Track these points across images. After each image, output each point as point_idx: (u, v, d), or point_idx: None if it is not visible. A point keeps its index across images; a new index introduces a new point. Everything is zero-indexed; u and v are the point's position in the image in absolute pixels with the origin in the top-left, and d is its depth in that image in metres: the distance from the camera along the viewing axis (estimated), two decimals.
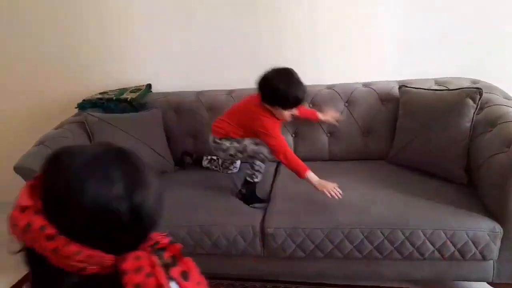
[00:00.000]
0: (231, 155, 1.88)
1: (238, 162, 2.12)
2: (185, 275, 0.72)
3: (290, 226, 1.63)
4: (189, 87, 2.33)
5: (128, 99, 2.20)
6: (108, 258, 0.61)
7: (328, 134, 2.11)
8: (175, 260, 0.73)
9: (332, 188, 1.62)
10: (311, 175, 1.66)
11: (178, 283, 0.68)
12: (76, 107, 2.23)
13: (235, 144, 1.86)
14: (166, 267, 0.68)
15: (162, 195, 0.69)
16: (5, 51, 2.47)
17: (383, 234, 1.55)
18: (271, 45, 2.24)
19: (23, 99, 2.56)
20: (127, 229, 0.62)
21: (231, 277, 1.92)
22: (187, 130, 2.24)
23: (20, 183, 1.75)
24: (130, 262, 0.62)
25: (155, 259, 0.66)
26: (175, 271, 0.70)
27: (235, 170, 2.11)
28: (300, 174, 1.67)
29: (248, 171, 1.86)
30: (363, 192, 1.73)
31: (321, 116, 2.03)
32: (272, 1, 2.15)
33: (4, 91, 2.57)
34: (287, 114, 1.73)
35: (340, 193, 1.62)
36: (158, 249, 0.72)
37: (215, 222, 1.69)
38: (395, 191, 1.71)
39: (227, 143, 1.87)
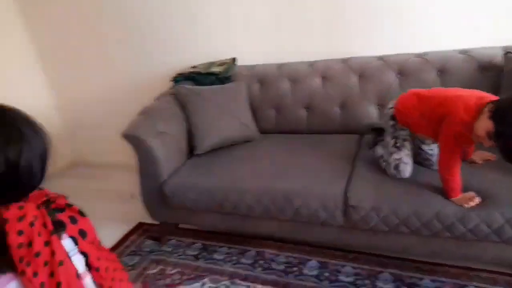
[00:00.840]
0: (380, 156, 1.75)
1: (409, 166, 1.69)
2: (83, 233, 0.80)
3: (375, 198, 1.62)
4: (273, 60, 2.37)
5: (216, 72, 2.33)
6: None
7: None
8: (74, 219, 0.80)
9: (467, 201, 1.49)
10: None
11: (77, 240, 0.77)
12: (171, 81, 2.43)
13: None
14: (60, 226, 0.75)
15: (45, 151, 0.75)
16: (115, 27, 2.74)
17: (478, 216, 1.47)
18: (355, 14, 2.16)
19: (131, 71, 2.84)
20: (4, 181, 0.68)
21: (312, 244, 2.00)
22: (270, 102, 2.30)
23: (125, 147, 2.02)
24: (12, 211, 0.67)
25: (43, 211, 0.72)
26: (73, 229, 0.78)
27: (406, 175, 1.68)
28: (448, 195, 1.53)
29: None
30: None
31: (473, 156, 1.73)
32: None
33: (114, 64, 2.88)
34: (488, 142, 1.34)
35: (478, 201, 1.48)
36: (54, 209, 0.78)
37: (297, 191, 1.74)
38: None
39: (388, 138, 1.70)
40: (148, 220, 2.29)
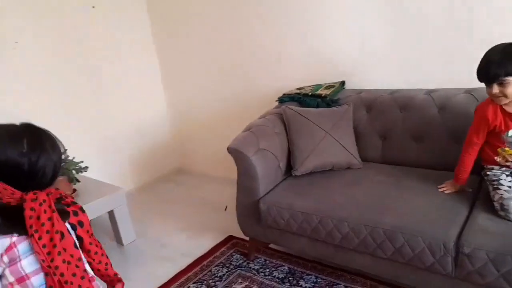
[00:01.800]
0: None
1: None
2: (81, 223, 1.12)
3: (496, 249, 1.39)
4: (384, 85, 2.27)
5: (322, 95, 2.31)
6: (16, 192, 0.99)
7: None
8: (76, 213, 1.12)
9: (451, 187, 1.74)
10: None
11: (75, 226, 1.09)
12: (277, 100, 2.48)
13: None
14: (65, 213, 1.07)
15: (58, 161, 1.05)
16: (229, 48, 2.93)
17: None
18: (480, 42, 1.94)
19: (241, 88, 2.98)
20: (26, 175, 0.99)
21: None
22: (377, 129, 2.19)
23: (230, 162, 2.10)
24: (29, 195, 1.00)
25: (50, 198, 1.03)
26: (74, 219, 1.11)
27: None
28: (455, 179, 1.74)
29: None
30: None
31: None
32: None
33: (224, 82, 3.07)
34: (488, 91, 1.57)
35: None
36: (63, 205, 1.09)
37: (401, 228, 1.59)
38: None
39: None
40: (238, 234, 2.32)
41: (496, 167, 1.67)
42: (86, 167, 2.36)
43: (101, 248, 1.20)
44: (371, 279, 1.91)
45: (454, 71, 2.07)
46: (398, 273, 1.69)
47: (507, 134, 1.59)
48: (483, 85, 1.94)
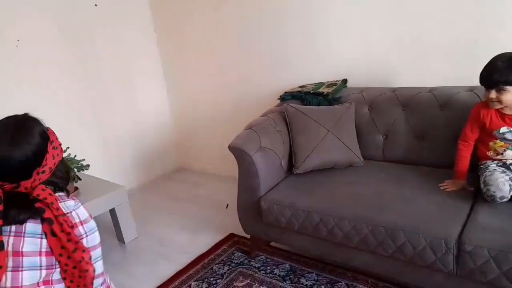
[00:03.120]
0: None
1: None
2: (50, 221, 0.98)
3: (498, 247, 1.39)
4: (386, 83, 2.26)
5: (324, 93, 2.30)
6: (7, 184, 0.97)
7: None
8: (43, 210, 0.98)
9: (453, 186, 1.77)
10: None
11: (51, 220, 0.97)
12: (278, 98, 2.48)
13: None
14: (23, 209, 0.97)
15: (41, 147, 1.00)
16: (231, 45, 2.93)
17: None
18: (485, 37, 1.94)
19: (242, 86, 2.99)
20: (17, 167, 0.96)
21: (411, 287, 1.80)
22: (379, 127, 2.18)
23: (229, 159, 2.10)
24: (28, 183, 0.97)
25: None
26: (49, 213, 0.98)
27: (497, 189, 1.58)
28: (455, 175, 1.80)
29: None
30: None
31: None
32: None
33: (226, 79, 3.07)
34: (486, 94, 1.66)
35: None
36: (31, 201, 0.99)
37: (403, 226, 1.59)
38: None
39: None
40: (239, 232, 2.32)
41: (489, 161, 1.75)
42: (88, 165, 2.36)
43: (70, 233, 1.01)
44: (372, 277, 1.91)
45: (456, 69, 2.07)
46: (399, 271, 1.68)
47: (499, 131, 1.69)
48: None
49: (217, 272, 2.12)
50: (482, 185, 1.65)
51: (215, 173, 3.44)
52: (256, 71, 2.86)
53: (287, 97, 2.43)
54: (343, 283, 1.92)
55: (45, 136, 1.03)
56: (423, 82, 2.13)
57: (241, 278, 2.06)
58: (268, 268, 2.11)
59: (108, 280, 1.16)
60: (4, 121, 1.01)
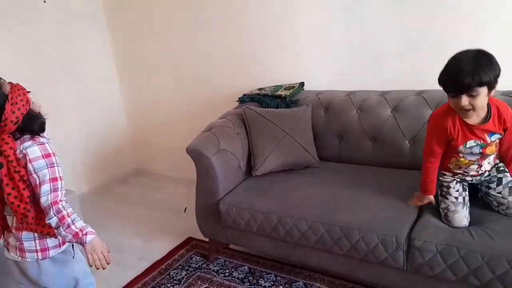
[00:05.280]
0: None
1: None
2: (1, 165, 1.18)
3: (444, 241, 1.48)
4: (341, 87, 2.33)
5: (282, 96, 2.34)
6: None
7: None
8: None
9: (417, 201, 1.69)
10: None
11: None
12: (237, 100, 2.48)
13: None
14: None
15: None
16: (189, 46, 2.89)
17: None
18: (432, 45, 2.07)
19: (201, 88, 2.95)
20: None
21: (366, 284, 1.85)
22: (335, 129, 2.24)
23: (189, 162, 2.07)
24: None
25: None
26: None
27: (457, 224, 1.56)
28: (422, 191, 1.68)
29: None
30: None
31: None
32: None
33: (184, 81, 3.02)
34: (454, 102, 1.45)
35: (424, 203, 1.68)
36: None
37: (357, 225, 1.64)
38: None
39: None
40: (198, 235, 2.29)
41: (449, 174, 1.64)
42: None
43: (21, 200, 1.20)
44: (329, 275, 1.96)
45: (406, 74, 2.18)
46: (354, 269, 1.74)
47: (465, 146, 1.52)
48: (432, 86, 2.05)
49: (175, 278, 2.08)
50: (442, 214, 1.60)
51: (173, 175, 3.36)
52: (214, 73, 2.84)
53: (246, 99, 2.43)
54: (300, 282, 1.95)
55: (2, 96, 1.17)
56: (376, 86, 2.23)
57: (199, 282, 2.02)
58: (227, 271, 2.10)
59: (65, 211, 1.22)
60: None
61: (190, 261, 2.21)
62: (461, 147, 1.53)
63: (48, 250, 1.29)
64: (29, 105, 1.23)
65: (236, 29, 2.63)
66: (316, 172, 2.12)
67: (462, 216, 1.56)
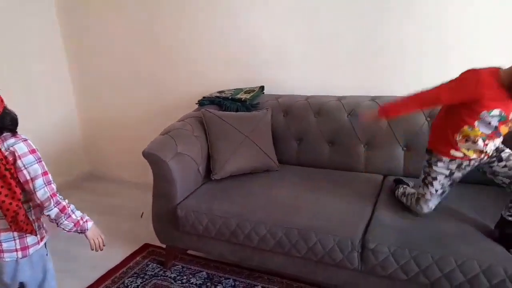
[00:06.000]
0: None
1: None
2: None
3: (396, 243, 1.53)
4: (300, 91, 2.37)
5: (242, 99, 2.33)
6: None
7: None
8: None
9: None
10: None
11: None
12: (196, 103, 2.44)
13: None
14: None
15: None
16: (146, 47, 2.81)
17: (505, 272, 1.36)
18: (389, 51, 2.15)
19: (158, 91, 2.88)
20: None
21: (323, 285, 1.88)
22: (293, 133, 2.27)
23: (146, 166, 2.00)
24: None
25: None
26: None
27: (423, 211, 1.63)
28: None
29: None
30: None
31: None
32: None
33: (140, 82, 2.94)
34: None
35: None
36: None
37: (313, 227, 1.66)
38: None
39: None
40: (155, 242, 2.22)
41: (445, 159, 1.57)
42: None
43: (13, 197, 1.19)
44: (287, 278, 1.97)
45: (360, 80, 2.25)
46: (311, 271, 1.76)
47: (490, 112, 1.41)
48: (385, 93, 2.13)
49: (129, 286, 2.00)
50: (414, 197, 1.63)
51: (129, 180, 3.25)
52: (172, 75, 2.78)
53: (205, 102, 2.40)
54: (259, 286, 1.95)
55: None
56: (333, 91, 2.28)
57: None
58: (184, 277, 2.05)
59: (63, 202, 1.30)
60: None
61: (146, 268, 2.14)
62: (484, 112, 1.41)
63: (28, 248, 1.29)
64: (4, 104, 1.22)
65: (194, 30, 2.59)
66: (275, 176, 2.13)
67: (432, 206, 1.62)
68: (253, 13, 2.41)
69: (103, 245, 1.42)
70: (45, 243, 1.36)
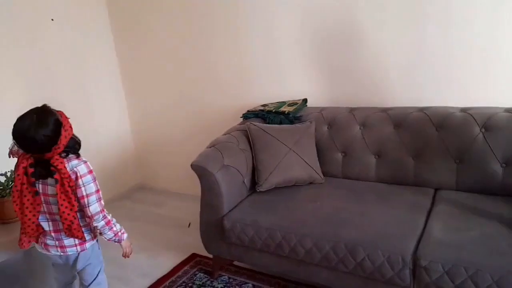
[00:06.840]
0: None
1: None
2: (56, 181, 1.40)
3: (450, 261, 1.46)
4: (343, 104, 2.35)
5: (286, 112, 2.35)
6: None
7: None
8: (54, 172, 1.40)
9: None
10: None
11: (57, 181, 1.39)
12: (241, 116, 2.49)
13: None
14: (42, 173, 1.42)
15: (56, 131, 1.37)
16: (193, 62, 2.93)
17: None
18: (435, 62, 2.09)
19: (206, 104, 2.98)
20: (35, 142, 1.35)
21: None
22: (338, 145, 2.25)
23: (194, 177, 2.07)
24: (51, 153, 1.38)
25: (29, 159, 1.41)
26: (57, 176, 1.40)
27: None
28: None
29: None
30: None
31: None
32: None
33: (189, 97, 3.05)
34: None
35: None
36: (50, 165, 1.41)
37: (362, 242, 1.63)
38: None
39: None
40: (202, 252, 2.28)
41: None
42: None
43: (71, 209, 1.43)
44: None
45: (410, 90, 2.19)
46: (359, 287, 1.71)
47: None
48: (434, 103, 2.05)
49: None
50: None
51: (177, 191, 3.36)
52: (219, 89, 2.86)
53: (250, 115, 2.45)
54: None
55: (58, 123, 1.39)
56: (378, 103, 2.24)
57: None
58: None
59: (109, 216, 1.53)
60: (29, 112, 1.39)
61: (194, 278, 2.19)
62: None
63: (85, 243, 1.56)
64: (72, 130, 1.46)
65: (241, 46, 2.67)
66: (320, 188, 2.12)
67: None
68: (295, 30, 2.44)
69: (130, 253, 1.70)
70: (97, 239, 1.63)
